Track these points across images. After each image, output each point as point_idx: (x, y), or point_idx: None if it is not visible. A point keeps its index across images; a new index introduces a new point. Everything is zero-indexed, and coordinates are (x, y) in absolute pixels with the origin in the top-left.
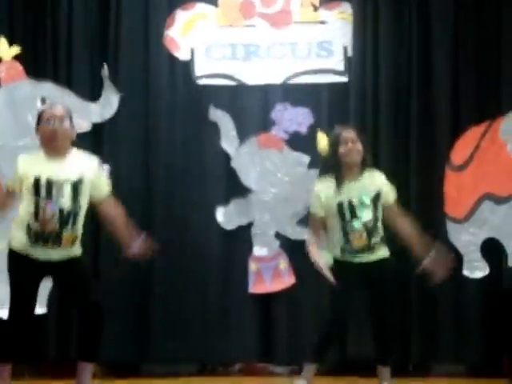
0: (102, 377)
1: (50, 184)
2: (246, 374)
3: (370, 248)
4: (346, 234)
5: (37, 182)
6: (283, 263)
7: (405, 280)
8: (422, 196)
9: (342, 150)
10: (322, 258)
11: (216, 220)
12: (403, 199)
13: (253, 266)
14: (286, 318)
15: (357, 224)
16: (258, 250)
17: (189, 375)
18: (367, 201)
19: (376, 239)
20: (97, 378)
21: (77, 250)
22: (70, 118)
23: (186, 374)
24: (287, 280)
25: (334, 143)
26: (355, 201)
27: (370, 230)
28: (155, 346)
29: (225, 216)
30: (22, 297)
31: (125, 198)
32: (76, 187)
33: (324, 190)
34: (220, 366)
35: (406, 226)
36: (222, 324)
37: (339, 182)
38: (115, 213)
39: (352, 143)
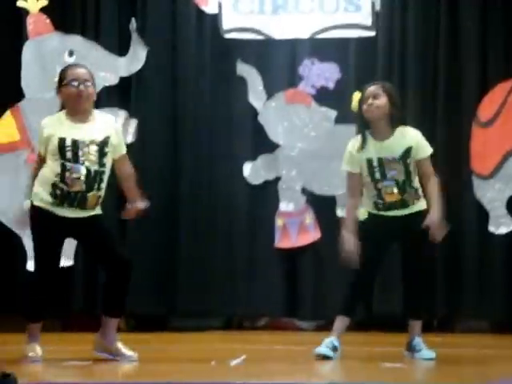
0: (130, 330)
1: (75, 145)
2: (272, 328)
3: (403, 203)
4: (377, 189)
5: (62, 144)
6: (309, 218)
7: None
8: (449, 149)
9: (364, 106)
10: (351, 239)
11: (243, 175)
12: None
13: (279, 221)
14: (312, 272)
15: (387, 180)
16: (285, 206)
17: (215, 329)
18: (397, 157)
19: (409, 194)
20: (123, 332)
21: (98, 210)
22: (92, 79)
23: (213, 329)
24: (313, 235)
25: (360, 100)
26: (385, 157)
27: (401, 186)
28: (182, 300)
29: (252, 171)
30: (46, 254)
31: (152, 151)
32: (101, 148)
33: (354, 147)
34: (246, 320)
35: (430, 186)
36: (248, 279)
37: (366, 139)
38: (128, 173)
39: (373, 98)
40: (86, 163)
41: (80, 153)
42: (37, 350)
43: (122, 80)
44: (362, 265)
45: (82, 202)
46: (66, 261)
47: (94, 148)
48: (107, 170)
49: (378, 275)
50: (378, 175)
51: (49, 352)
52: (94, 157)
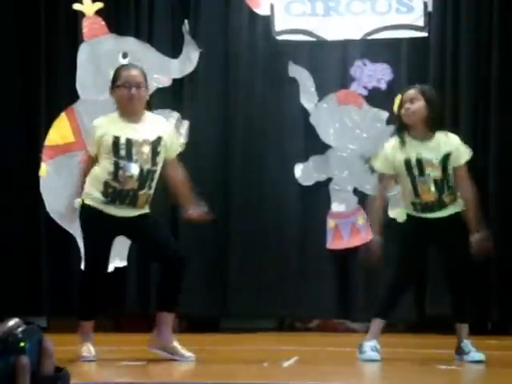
0: (182, 332)
1: (129, 144)
2: (324, 330)
3: (440, 204)
4: (415, 188)
5: (116, 142)
6: (361, 219)
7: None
8: (502, 149)
9: (402, 110)
10: (377, 241)
11: (294, 176)
12: (481, 153)
13: (331, 222)
14: (363, 274)
15: (425, 179)
16: (337, 206)
17: (267, 331)
18: (435, 161)
19: (447, 197)
20: (176, 333)
21: (147, 209)
22: (145, 80)
23: (265, 330)
24: (365, 236)
25: (399, 103)
26: (424, 158)
27: (439, 187)
28: (234, 302)
29: (303, 172)
30: (96, 253)
31: (204, 151)
32: (154, 148)
33: (391, 148)
34: (298, 322)
35: (467, 192)
36: (300, 280)
37: (404, 140)
38: (180, 176)
39: (410, 103)
40: (139, 162)
41: (133, 151)
42: (90, 349)
43: (175, 82)
44: (400, 267)
45: (133, 200)
46: (120, 262)
47: (146, 147)
48: (159, 169)
49: (416, 278)
50: (416, 172)
51: (102, 352)
52: (146, 156)
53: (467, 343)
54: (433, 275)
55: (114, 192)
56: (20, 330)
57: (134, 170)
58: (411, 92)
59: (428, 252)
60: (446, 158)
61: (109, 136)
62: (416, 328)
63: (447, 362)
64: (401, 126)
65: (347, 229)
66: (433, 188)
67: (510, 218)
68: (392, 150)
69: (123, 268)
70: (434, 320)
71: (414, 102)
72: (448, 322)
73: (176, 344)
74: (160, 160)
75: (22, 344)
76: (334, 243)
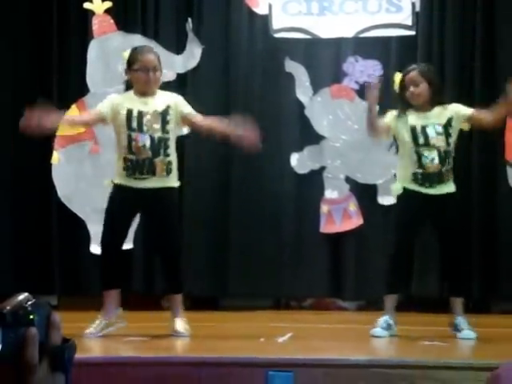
0: (184, 309)
1: (140, 116)
2: (317, 308)
3: (440, 177)
4: (419, 157)
5: (129, 115)
6: (352, 205)
7: (465, 217)
8: (484, 144)
9: (406, 93)
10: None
11: (290, 164)
12: (463, 151)
13: (324, 208)
14: (354, 256)
15: (430, 146)
16: (330, 193)
17: (264, 309)
18: (439, 128)
19: (447, 167)
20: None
21: (173, 181)
22: (159, 63)
23: (262, 309)
24: (356, 221)
25: (402, 85)
26: (428, 126)
27: (442, 156)
28: (233, 282)
29: (298, 161)
30: (117, 227)
31: (205, 142)
32: (164, 116)
33: (396, 116)
34: (293, 300)
35: (488, 115)
36: (295, 262)
37: (407, 112)
38: (208, 121)
39: (414, 86)
40: (150, 131)
41: (144, 121)
42: (99, 325)
43: (179, 76)
44: (398, 242)
45: (150, 168)
46: (127, 244)
47: (156, 117)
48: (171, 136)
49: (414, 253)
50: (421, 140)
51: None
52: (156, 125)
53: (462, 320)
54: (418, 255)
55: (132, 164)
56: (29, 303)
57: (146, 140)
58: (414, 75)
59: (424, 226)
60: (448, 124)
61: (123, 109)
62: (401, 307)
63: (431, 338)
64: (404, 104)
65: (339, 214)
66: (437, 159)
67: (491, 198)
68: (396, 117)
69: (130, 250)
70: (419, 299)
71: (417, 84)
72: (433, 300)
73: (176, 320)
74: (170, 128)
75: (31, 316)
76: (326, 227)
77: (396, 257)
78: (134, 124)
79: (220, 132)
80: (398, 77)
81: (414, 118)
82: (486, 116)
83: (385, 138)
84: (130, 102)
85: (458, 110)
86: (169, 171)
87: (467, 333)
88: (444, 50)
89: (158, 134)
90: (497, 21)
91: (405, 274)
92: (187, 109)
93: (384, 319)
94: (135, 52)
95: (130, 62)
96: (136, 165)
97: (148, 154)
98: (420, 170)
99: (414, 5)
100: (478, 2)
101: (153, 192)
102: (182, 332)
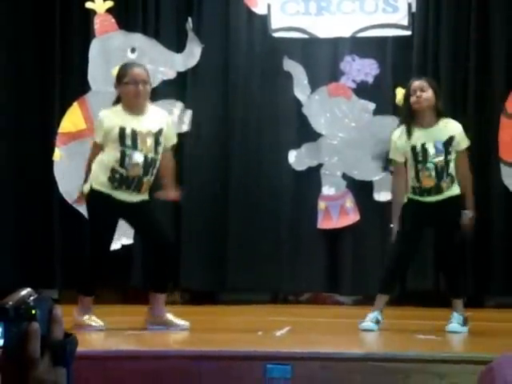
0: (184, 304)
1: (134, 134)
2: (314, 302)
3: (438, 189)
4: (417, 173)
5: (122, 133)
6: (349, 202)
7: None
8: (479, 143)
9: (413, 98)
10: (396, 223)
11: (288, 161)
12: None
13: (321, 204)
14: (351, 251)
15: (427, 165)
16: (327, 190)
17: (262, 303)
18: (439, 145)
19: (445, 181)
20: (178, 305)
21: (147, 195)
22: (149, 78)
23: (260, 303)
24: (352, 217)
25: (407, 93)
26: (428, 144)
27: (439, 172)
28: (232, 276)
29: (296, 158)
30: (101, 234)
31: (205, 139)
32: (157, 138)
33: (398, 136)
34: (290, 295)
35: (465, 180)
36: (292, 257)
37: (411, 128)
38: (170, 164)
39: (421, 91)
40: (144, 151)
41: (138, 141)
42: (96, 319)
43: (179, 74)
44: (399, 247)
45: (138, 186)
46: (127, 240)
47: (150, 137)
48: (159, 157)
49: (414, 256)
50: (420, 158)
51: (110, 322)
52: (150, 145)
53: (456, 315)
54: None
55: (121, 178)
56: (32, 298)
57: (140, 158)
58: (421, 82)
59: (424, 232)
60: (448, 142)
61: (115, 127)
62: (397, 301)
63: (425, 331)
64: (408, 115)
65: (336, 210)
66: (433, 174)
67: (485, 196)
68: (399, 139)
69: (129, 245)
70: (414, 293)
71: (424, 90)
72: (427, 295)
73: (169, 315)
74: (161, 149)
75: (33, 311)
76: (324, 223)
77: (395, 262)
78: (128, 142)
79: (163, 176)
80: (400, 92)
81: (416, 137)
82: (461, 168)
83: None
84: (122, 118)
85: (460, 138)
86: (148, 189)
87: (453, 326)
88: (439, 50)
89: (151, 154)
90: (491, 21)
91: (400, 278)
92: (173, 142)
93: (374, 315)
94: (125, 66)
95: (120, 76)
96: (125, 180)
97: (139, 172)
98: (417, 185)
99: (410, 5)
100: (473, 2)
101: (134, 204)
102: (183, 324)
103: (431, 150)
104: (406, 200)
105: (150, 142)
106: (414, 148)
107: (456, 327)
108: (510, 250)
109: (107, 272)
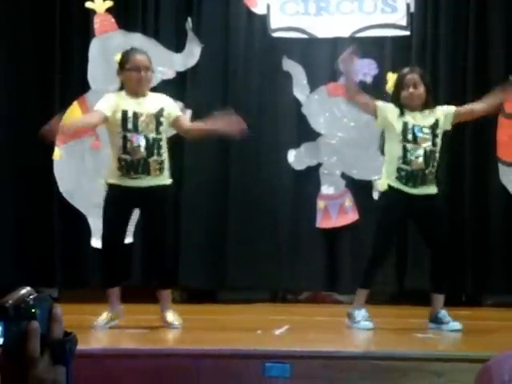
0: (183, 302)
1: (135, 117)
2: (313, 301)
3: (423, 179)
4: (405, 153)
5: (125, 116)
6: (348, 201)
7: (458, 213)
8: (476, 141)
9: (404, 93)
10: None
11: (287, 161)
12: (457, 145)
13: (320, 204)
14: (350, 250)
15: (417, 144)
16: (326, 189)
17: (261, 302)
18: (426, 129)
19: (431, 169)
20: (178, 303)
21: (165, 179)
22: (151, 65)
23: (259, 301)
24: (351, 216)
25: (398, 85)
26: (416, 127)
27: (427, 156)
28: (231, 275)
29: (295, 157)
30: (115, 225)
31: (204, 139)
32: (158, 118)
33: (391, 107)
34: (289, 293)
35: (480, 101)
36: (291, 256)
37: (402, 111)
38: (194, 124)
39: (414, 88)
40: (145, 132)
41: (139, 123)
42: (104, 318)
43: (179, 74)
44: (379, 240)
45: (145, 167)
46: (127, 238)
47: (150, 118)
48: (164, 137)
49: (393, 249)
50: (409, 136)
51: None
52: (151, 126)
53: (445, 313)
54: (411, 250)
55: (127, 164)
56: (31, 297)
57: (141, 140)
58: (414, 77)
59: (407, 226)
60: (435, 125)
61: (119, 111)
62: (394, 300)
63: (423, 330)
64: (398, 104)
65: (335, 209)
66: (421, 158)
67: (483, 195)
68: (391, 109)
69: (129, 244)
70: (412, 292)
71: (417, 86)
72: (425, 294)
73: (167, 313)
74: (163, 129)
75: (33, 310)
76: (323, 222)
77: (375, 255)
78: (130, 125)
79: (206, 130)
80: (391, 77)
81: (406, 118)
82: (476, 106)
83: (365, 111)
84: (124, 102)
85: (444, 111)
86: (161, 170)
87: (454, 324)
88: (438, 50)
89: (152, 135)
90: (490, 22)
91: (378, 272)
92: (177, 112)
93: (363, 312)
94: (127, 52)
95: (122, 63)
96: (131, 164)
97: (143, 154)
98: (404, 166)
99: (408, 6)
100: (472, 3)
101: (147, 190)
102: (175, 323)
103: (419, 133)
104: (386, 187)
105: (150, 122)
106: (405, 124)
107: (455, 325)
108: (508, 248)
109: (128, 264)
